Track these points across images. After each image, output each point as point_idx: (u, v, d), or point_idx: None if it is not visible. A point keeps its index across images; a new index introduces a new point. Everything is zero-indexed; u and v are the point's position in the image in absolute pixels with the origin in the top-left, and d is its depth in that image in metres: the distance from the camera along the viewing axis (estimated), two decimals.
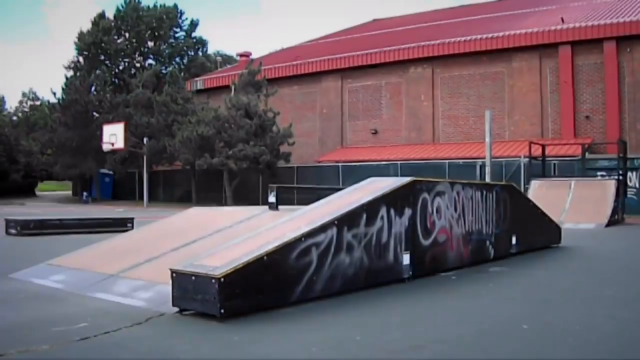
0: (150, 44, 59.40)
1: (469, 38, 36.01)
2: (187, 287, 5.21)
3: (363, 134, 40.28)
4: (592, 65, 32.43)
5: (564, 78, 32.73)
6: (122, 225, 15.10)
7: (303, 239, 5.73)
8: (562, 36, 32.88)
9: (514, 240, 9.86)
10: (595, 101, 32.25)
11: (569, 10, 38.77)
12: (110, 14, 57.39)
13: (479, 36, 35.80)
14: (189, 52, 63.08)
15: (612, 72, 31.45)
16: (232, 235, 6.80)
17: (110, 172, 48.37)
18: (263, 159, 34.89)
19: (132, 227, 14.66)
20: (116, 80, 54.93)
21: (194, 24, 62.74)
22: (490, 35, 35.38)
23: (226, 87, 42.11)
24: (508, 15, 42.74)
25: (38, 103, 52.96)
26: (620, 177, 21.45)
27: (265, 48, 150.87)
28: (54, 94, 47.41)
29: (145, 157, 41.14)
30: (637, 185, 26.81)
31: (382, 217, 6.72)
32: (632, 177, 26.53)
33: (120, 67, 57.02)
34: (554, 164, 28.00)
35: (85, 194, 47.81)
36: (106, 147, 40.37)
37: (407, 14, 60.35)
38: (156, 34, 58.89)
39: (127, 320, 5.06)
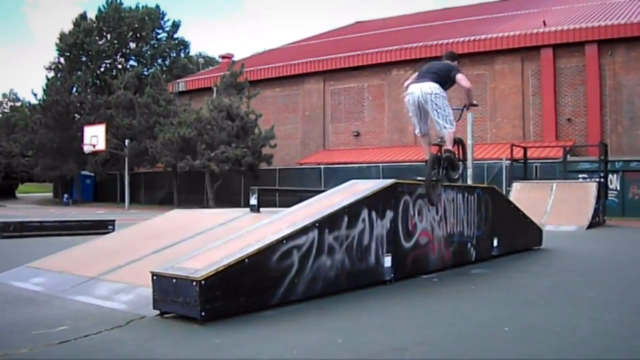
0: (132, 45, 59.12)
1: (451, 40, 36.08)
2: (167, 290, 5.20)
3: (345, 136, 40.27)
4: (573, 68, 32.59)
5: (545, 81, 32.88)
6: (103, 227, 15.04)
7: (284, 241, 5.73)
8: (544, 39, 33.01)
9: (495, 243, 9.90)
10: (577, 104, 32.41)
11: (551, 13, 38.97)
12: (91, 15, 57.10)
13: (461, 39, 35.89)
14: (171, 54, 62.85)
15: (594, 75, 31.61)
16: (213, 237, 6.79)
17: (92, 174, 48.11)
18: (245, 161, 34.82)
19: (113, 230, 14.61)
20: (97, 82, 54.61)
21: (176, 25, 62.51)
22: (472, 38, 35.48)
23: (208, 89, 41.96)
24: (490, 18, 42.90)
25: (19, 104, 52.66)
26: (602, 180, 21.56)
27: (247, 50, 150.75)
28: (35, 95, 47.32)
29: (126, 159, 40.95)
30: (618, 188, 26.97)
31: (363, 220, 6.73)
32: (613, 179, 26.69)
33: (102, 69, 56.68)
34: (536, 166, 28.12)
35: (66, 196, 47.54)
36: (87, 148, 40.15)
37: (389, 16, 60.42)
38: (138, 35, 58.63)
39: (107, 323, 5.03)
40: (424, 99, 8.24)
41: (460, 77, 8.55)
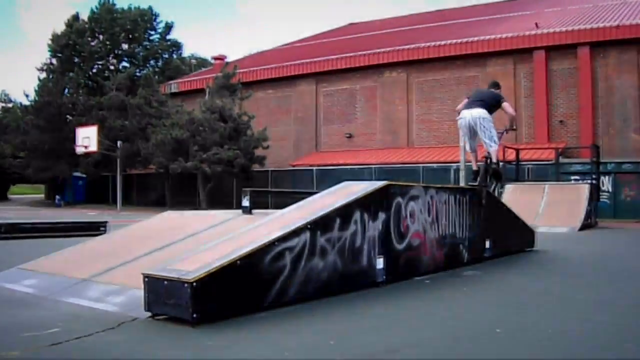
0: (125, 46, 59.00)
1: (443, 43, 36.17)
2: (159, 292, 5.19)
3: (338, 138, 40.29)
4: (566, 70, 32.69)
5: (538, 83, 32.97)
6: (95, 229, 15.00)
7: (276, 243, 5.72)
8: (537, 41, 33.11)
9: (487, 244, 9.90)
10: (569, 106, 32.51)
11: (544, 15, 39.06)
12: (84, 16, 56.94)
13: (453, 41, 35.97)
14: (164, 55, 62.78)
15: (586, 77, 31.72)
16: (205, 239, 6.77)
17: (84, 176, 48.04)
18: (237, 163, 34.82)
19: (105, 231, 14.57)
20: (90, 83, 54.52)
21: (168, 27, 62.47)
22: (465, 40, 35.56)
23: (201, 91, 41.95)
24: (483, 20, 42.99)
25: (10, 105, 52.46)
26: (594, 181, 21.64)
27: (240, 51, 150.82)
28: (27, 96, 47.19)
29: (118, 161, 40.90)
30: (610, 190, 27.08)
31: (355, 221, 6.72)
32: (605, 181, 26.78)
33: (94, 70, 56.57)
34: (528, 168, 28.19)
35: (58, 197, 47.44)
36: (79, 150, 40.09)
37: (382, 18, 60.46)
38: (131, 36, 58.54)
39: (99, 325, 5.01)
40: (473, 122, 10.32)
41: (506, 105, 10.97)
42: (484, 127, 10.31)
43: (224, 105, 36.17)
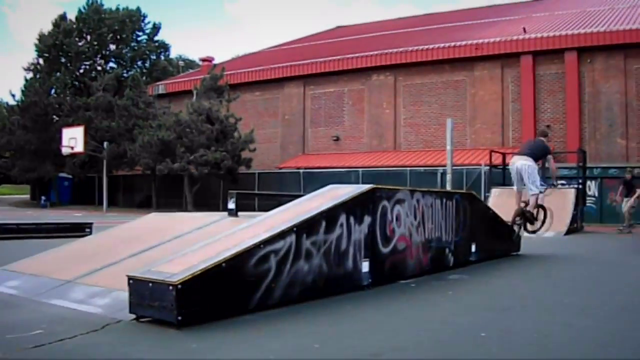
0: (112, 46, 58.85)
1: (431, 46, 36.24)
2: (144, 294, 5.17)
3: (325, 141, 40.30)
4: (553, 75, 32.82)
5: (525, 87, 33.09)
6: (80, 230, 14.94)
7: (262, 245, 5.72)
8: (524, 46, 33.23)
9: (473, 248, 9.93)
10: (556, 111, 32.63)
11: (531, 20, 39.20)
12: (71, 16, 56.69)
13: (441, 45, 36.05)
14: (151, 56, 62.64)
15: (573, 82, 31.85)
16: (190, 241, 6.76)
17: (70, 176, 47.82)
18: (224, 165, 34.78)
19: (91, 232, 14.50)
20: (77, 83, 54.33)
21: (156, 28, 62.35)
22: (452, 44, 35.65)
23: (188, 92, 41.89)
24: (471, 25, 43.09)
25: None
26: (580, 186, 21.71)
27: (228, 53, 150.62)
28: (13, 96, 46.91)
29: (105, 162, 40.72)
30: (597, 194, 27.19)
31: (341, 225, 6.73)
32: (591, 186, 26.89)
33: (81, 70, 56.36)
34: None
35: (43, 198, 47.22)
36: (65, 150, 39.88)
37: (370, 21, 60.53)
38: (118, 37, 58.39)
39: (83, 327, 4.99)
40: (521, 169, 12.11)
41: (550, 158, 12.98)
42: (529, 173, 12.05)
43: (211, 107, 36.13)
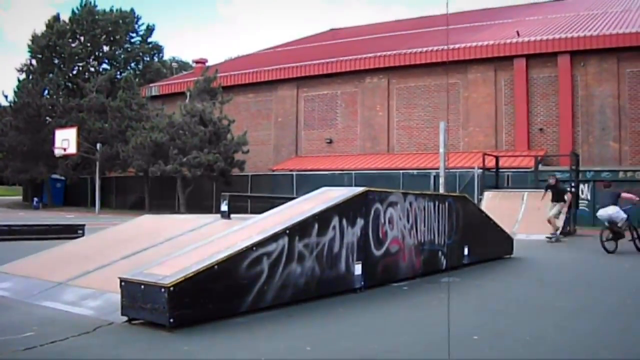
0: (106, 48, 58.65)
1: (425, 49, 36.24)
2: (136, 296, 5.16)
3: (318, 143, 40.25)
4: (546, 78, 32.84)
5: (518, 91, 33.14)
6: (72, 232, 14.87)
7: (254, 248, 5.71)
8: (517, 49, 33.23)
9: (466, 251, 9.93)
10: (549, 114, 32.65)
11: (525, 24, 39.25)
12: (65, 17, 56.46)
13: (435, 48, 36.05)
14: (145, 58, 62.46)
15: (566, 85, 31.88)
16: (183, 243, 6.75)
17: (62, 178, 47.62)
18: (217, 167, 34.69)
19: (83, 234, 14.45)
20: (70, 85, 54.11)
21: (150, 29, 62.18)
22: (446, 47, 35.63)
23: (181, 94, 41.76)
24: (465, 28, 43.09)
25: None
26: (573, 189, 21.72)
27: (221, 55, 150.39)
28: (6, 97, 46.72)
29: (97, 163, 40.59)
30: (589, 197, 27.17)
31: (334, 227, 6.72)
32: (584, 189, 26.87)
33: (74, 71, 56.12)
34: (508, 175, 28.24)
35: (36, 199, 47.04)
36: (58, 152, 39.72)
37: (364, 24, 60.56)
38: (112, 38, 58.21)
39: (74, 329, 4.98)
40: (610, 215, 14.52)
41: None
42: (616, 216, 14.52)
43: (204, 109, 36.02)
